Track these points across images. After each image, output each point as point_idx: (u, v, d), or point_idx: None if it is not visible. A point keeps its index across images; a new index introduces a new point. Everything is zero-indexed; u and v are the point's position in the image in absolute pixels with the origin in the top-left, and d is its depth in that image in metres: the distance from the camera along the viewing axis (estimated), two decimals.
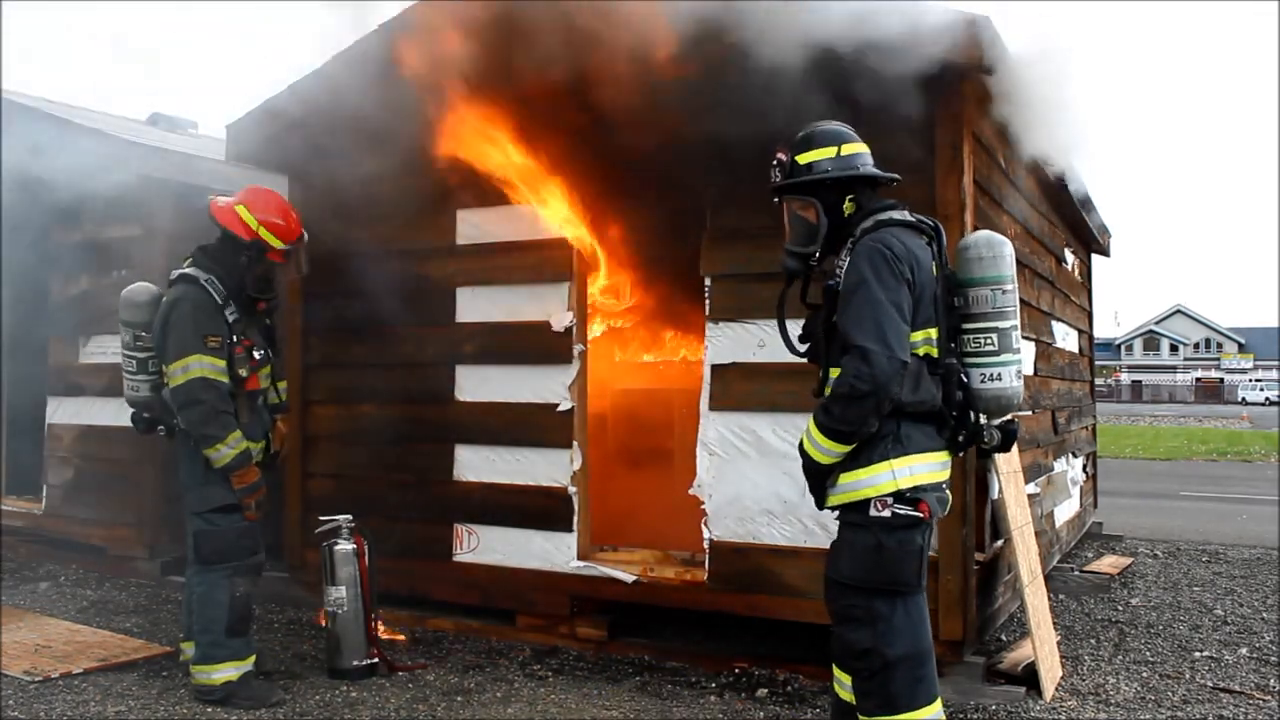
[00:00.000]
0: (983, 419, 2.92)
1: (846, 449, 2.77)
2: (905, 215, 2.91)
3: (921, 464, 2.78)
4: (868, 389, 2.65)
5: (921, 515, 2.74)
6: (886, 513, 2.74)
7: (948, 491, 2.91)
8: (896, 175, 3.02)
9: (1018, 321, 2.93)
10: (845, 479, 2.81)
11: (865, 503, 2.76)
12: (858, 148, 2.97)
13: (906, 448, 2.77)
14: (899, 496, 2.74)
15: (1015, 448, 4.74)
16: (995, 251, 2.91)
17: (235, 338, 4.08)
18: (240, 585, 4.06)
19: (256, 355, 4.15)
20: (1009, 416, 2.97)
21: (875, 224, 2.86)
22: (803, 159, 2.96)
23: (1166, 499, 12.33)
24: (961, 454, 2.94)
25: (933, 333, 2.82)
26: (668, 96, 4.15)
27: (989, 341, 2.86)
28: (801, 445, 2.89)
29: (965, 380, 2.87)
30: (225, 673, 4.01)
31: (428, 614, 5.24)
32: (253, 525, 4.12)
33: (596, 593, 4.82)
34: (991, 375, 2.86)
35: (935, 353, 2.82)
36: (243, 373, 4.11)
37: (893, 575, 2.76)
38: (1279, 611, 5.80)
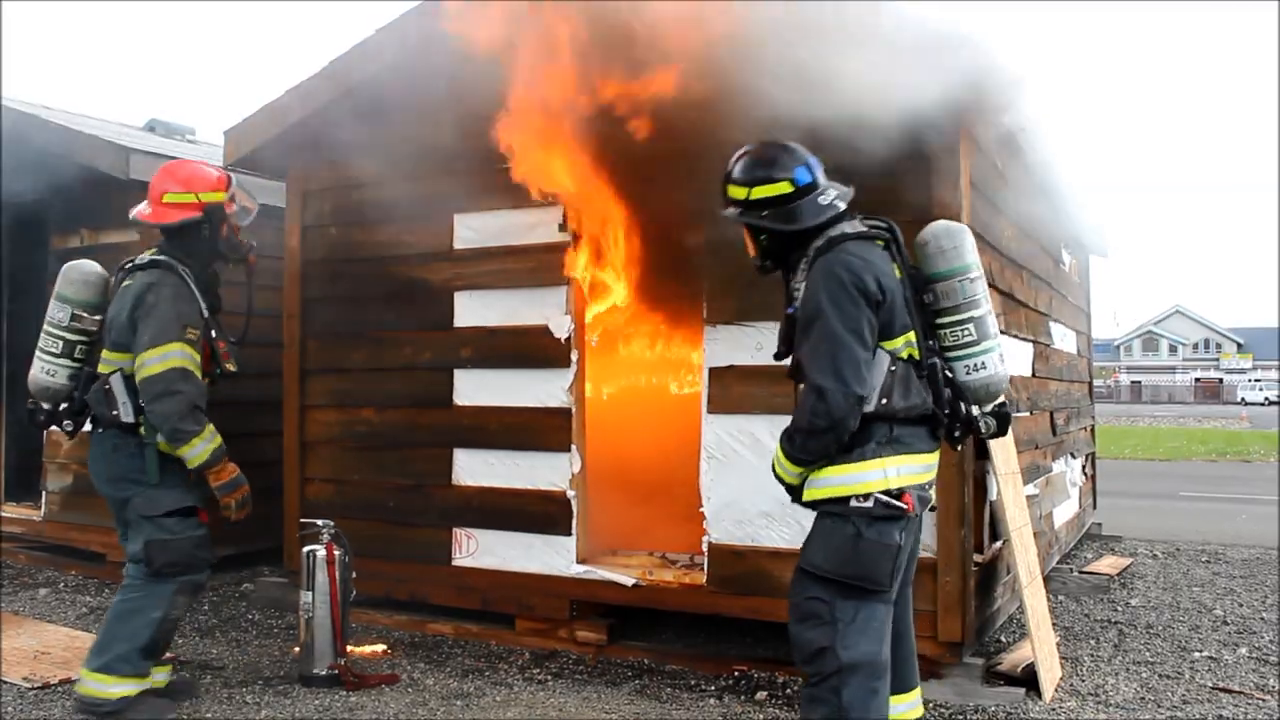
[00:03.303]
0: (975, 409, 2.89)
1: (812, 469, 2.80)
2: (858, 226, 2.85)
3: (910, 464, 2.76)
4: (824, 425, 2.65)
5: (905, 508, 2.70)
6: (868, 502, 2.69)
7: (930, 492, 2.89)
8: (791, 226, 2.85)
9: (990, 306, 2.91)
10: (832, 473, 2.75)
11: (847, 495, 2.73)
12: (771, 190, 2.84)
13: (897, 449, 2.74)
14: (885, 490, 2.71)
15: (1014, 449, 4.79)
16: (955, 242, 2.88)
17: (213, 333, 3.88)
18: (179, 606, 3.81)
19: (235, 354, 3.98)
20: (1000, 400, 2.94)
21: (828, 241, 2.79)
22: (729, 190, 2.94)
23: (1166, 499, 12.33)
24: (958, 448, 2.92)
25: (912, 335, 2.80)
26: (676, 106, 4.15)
27: (967, 332, 2.84)
28: (773, 465, 2.92)
29: (950, 375, 2.85)
30: (124, 688, 3.71)
31: (427, 618, 5.24)
32: (208, 533, 3.88)
33: (596, 596, 4.82)
34: (976, 365, 2.84)
35: (918, 354, 2.80)
36: (231, 368, 3.93)
37: (866, 569, 2.69)
38: (1278, 611, 5.80)
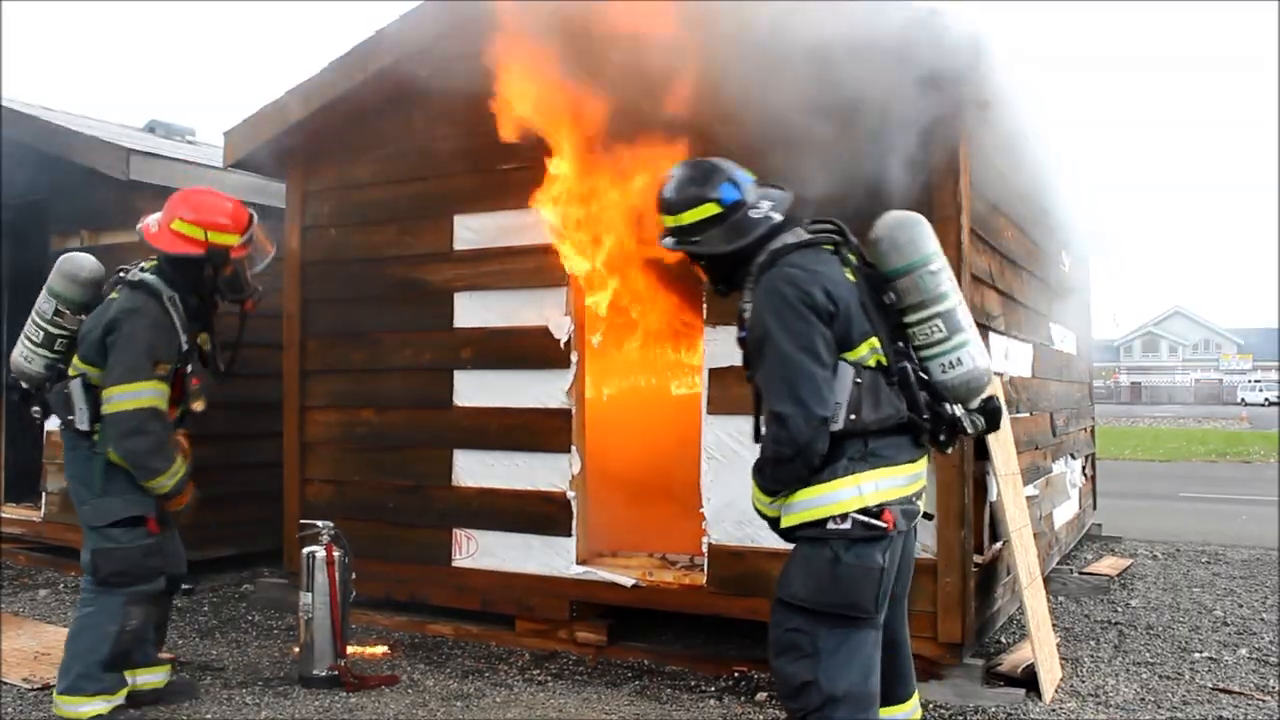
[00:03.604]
0: (958, 409, 2.67)
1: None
2: (800, 234, 2.69)
3: (888, 479, 2.56)
4: (790, 453, 2.50)
5: (885, 526, 2.50)
6: (846, 524, 2.50)
7: (917, 503, 2.67)
8: (725, 248, 2.73)
9: (959, 297, 2.68)
10: (805, 496, 2.56)
11: (823, 518, 2.54)
12: (698, 213, 2.72)
13: (873, 463, 2.54)
14: (862, 509, 2.51)
15: (1014, 450, 4.78)
16: (910, 234, 2.65)
17: (189, 368, 3.80)
18: (134, 616, 3.68)
19: (203, 392, 3.90)
20: (986, 395, 2.74)
21: (770, 256, 2.63)
22: (663, 219, 2.82)
23: (1166, 500, 12.34)
24: (948, 451, 2.75)
25: (876, 341, 2.60)
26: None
27: (936, 329, 2.62)
28: (752, 501, 2.77)
29: (926, 376, 2.65)
30: (94, 706, 3.63)
31: (427, 619, 5.24)
32: (159, 541, 3.74)
33: (596, 597, 4.83)
34: (951, 362, 2.63)
35: (885, 360, 2.60)
36: (198, 407, 3.84)
37: (847, 596, 2.50)
38: (1278, 612, 5.80)
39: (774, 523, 2.72)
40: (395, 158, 5.46)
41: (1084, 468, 7.86)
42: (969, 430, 2.70)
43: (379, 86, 5.24)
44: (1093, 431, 8.79)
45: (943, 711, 4.02)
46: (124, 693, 3.77)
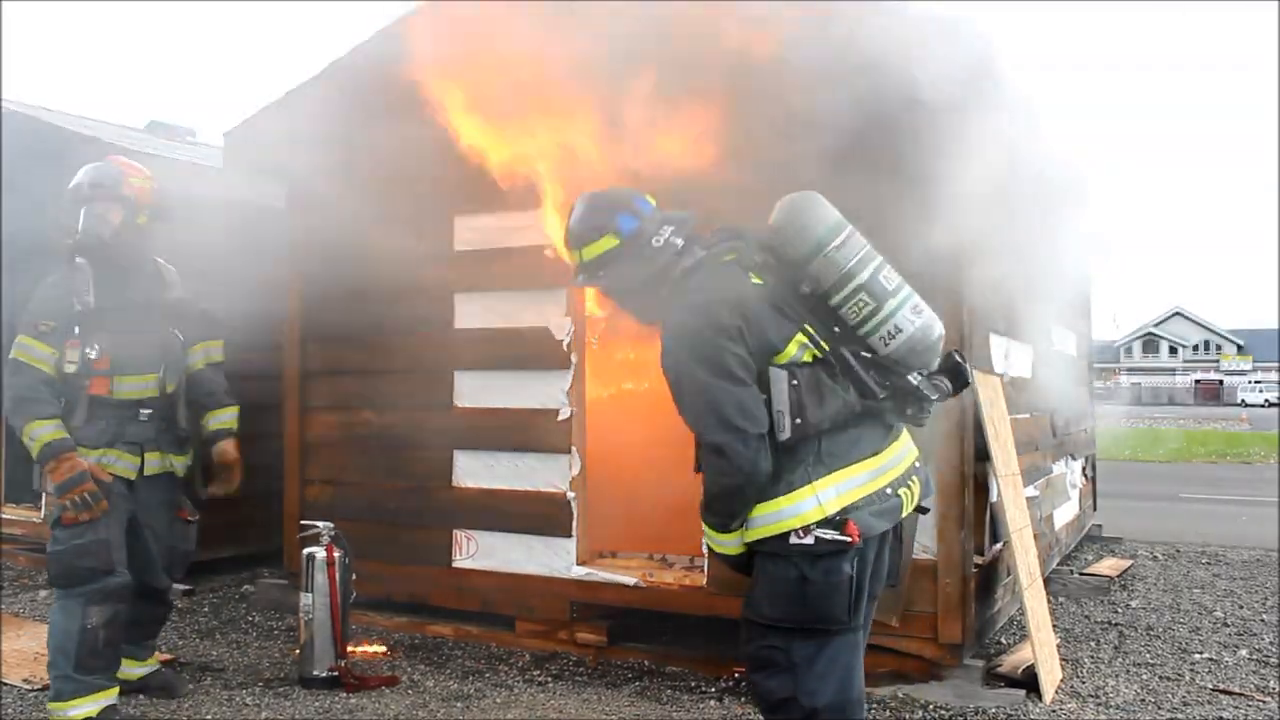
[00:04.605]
0: (916, 378, 2.48)
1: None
2: (697, 254, 2.58)
3: (848, 479, 2.41)
4: (738, 481, 2.38)
5: (849, 540, 2.35)
6: (809, 539, 2.36)
7: (897, 494, 2.48)
8: (628, 283, 2.63)
9: (877, 261, 2.48)
10: (764, 511, 2.42)
11: (785, 532, 2.41)
12: (598, 248, 2.62)
13: (829, 465, 2.40)
14: (824, 522, 2.37)
15: (1014, 451, 4.78)
16: (800, 220, 2.50)
17: (76, 329, 3.67)
18: (94, 615, 3.59)
19: (91, 354, 3.68)
20: (947, 354, 2.56)
21: (672, 287, 2.56)
22: (570, 256, 2.74)
23: (1166, 501, 12.34)
24: (923, 423, 2.57)
25: (803, 336, 2.44)
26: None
27: (863, 303, 2.43)
28: (709, 546, 2.64)
29: (871, 354, 2.47)
30: (83, 709, 3.62)
31: (427, 620, 5.24)
32: (100, 542, 3.61)
33: (596, 598, 4.83)
34: (889, 333, 2.44)
35: (820, 352, 2.45)
36: (69, 369, 3.67)
37: (819, 612, 2.38)
38: (1278, 613, 5.80)
39: (736, 561, 2.60)
40: (396, 158, 5.45)
41: (1084, 469, 7.86)
42: (934, 397, 2.51)
43: (380, 86, 5.23)
44: (1093, 432, 8.79)
45: (943, 712, 4.02)
46: (114, 692, 3.76)
